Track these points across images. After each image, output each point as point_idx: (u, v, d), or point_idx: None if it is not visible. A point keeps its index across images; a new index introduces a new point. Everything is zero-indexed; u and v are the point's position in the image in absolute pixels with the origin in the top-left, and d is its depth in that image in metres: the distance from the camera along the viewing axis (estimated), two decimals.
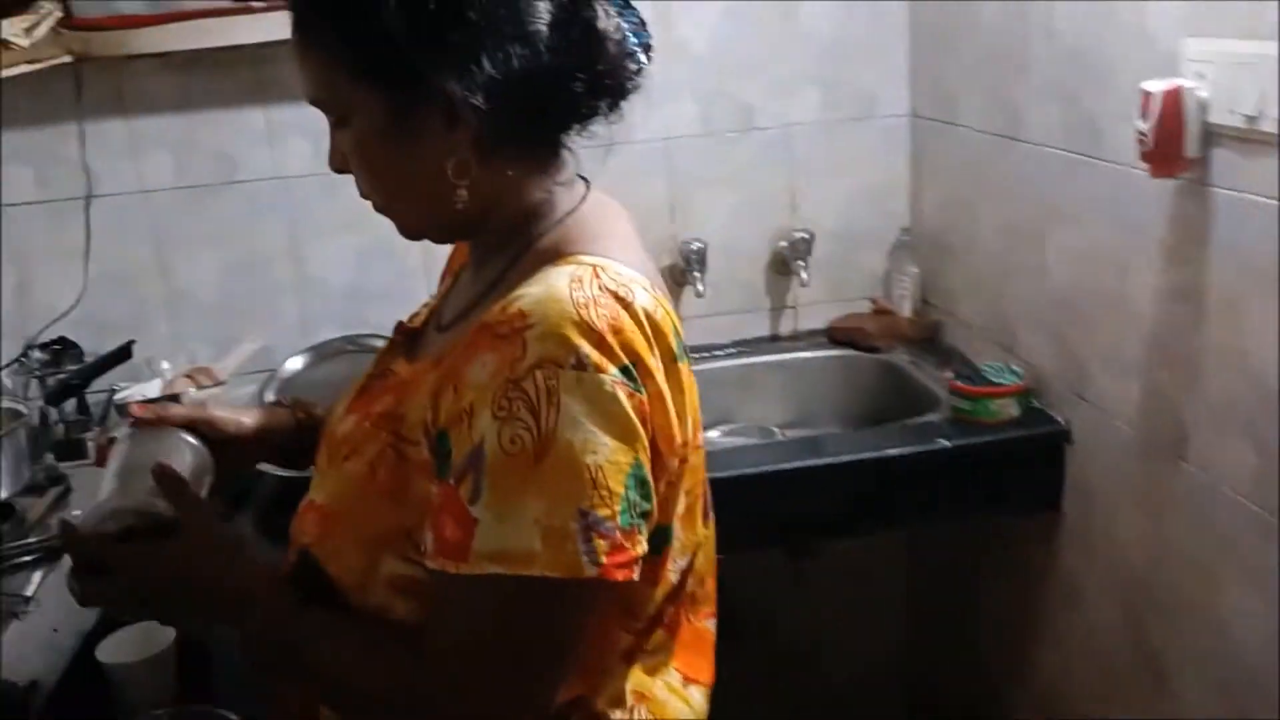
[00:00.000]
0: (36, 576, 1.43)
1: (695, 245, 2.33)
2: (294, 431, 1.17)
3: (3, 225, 2.13)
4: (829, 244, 2.41)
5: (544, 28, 0.90)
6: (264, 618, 0.92)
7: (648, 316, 0.89)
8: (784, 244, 2.38)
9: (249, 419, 1.13)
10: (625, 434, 0.85)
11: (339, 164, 0.97)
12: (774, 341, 2.47)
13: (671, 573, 0.99)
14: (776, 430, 2.32)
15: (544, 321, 0.84)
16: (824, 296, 2.44)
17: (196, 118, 2.16)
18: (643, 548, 0.87)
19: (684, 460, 0.95)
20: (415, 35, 0.87)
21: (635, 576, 0.87)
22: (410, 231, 1.00)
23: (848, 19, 2.33)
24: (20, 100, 2.04)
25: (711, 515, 1.19)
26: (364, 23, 0.88)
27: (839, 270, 2.44)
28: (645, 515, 0.88)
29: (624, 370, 0.86)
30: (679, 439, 0.93)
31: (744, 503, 1.85)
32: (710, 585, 1.16)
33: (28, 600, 1.36)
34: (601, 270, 0.90)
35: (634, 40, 0.96)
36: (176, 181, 2.18)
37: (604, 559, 0.83)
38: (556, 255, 0.94)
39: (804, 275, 2.35)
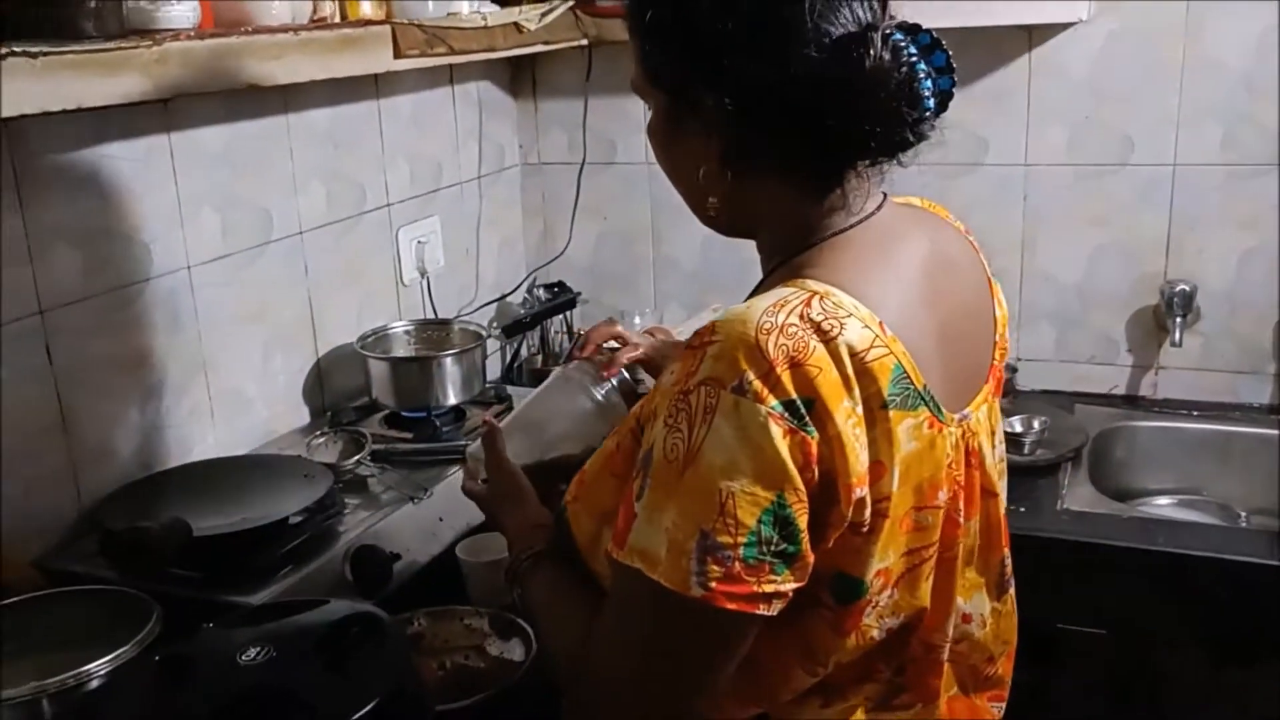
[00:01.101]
0: (448, 472, 1.71)
1: (1181, 288, 2.07)
2: None
3: (538, 181, 2.52)
4: None
5: (803, 60, 0.89)
6: (517, 554, 1.09)
7: (853, 354, 0.85)
8: None
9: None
10: (769, 469, 0.83)
11: None
12: (1273, 414, 2.11)
13: (873, 629, 0.95)
14: (1242, 514, 2.00)
15: (724, 340, 0.85)
16: None
17: None
18: (775, 586, 0.85)
19: (883, 515, 0.89)
20: (682, 47, 0.94)
21: (762, 612, 0.85)
22: (699, 220, 1.05)
23: (1262, 48, 1.92)
24: (553, 74, 2.40)
25: (1010, 589, 1.11)
26: (650, 29, 0.97)
27: None
28: (785, 556, 0.85)
29: (788, 404, 0.83)
30: (861, 491, 0.87)
31: (1174, 585, 1.69)
32: (999, 667, 1.10)
33: (426, 490, 1.63)
34: (820, 298, 0.87)
35: (924, 86, 0.89)
36: None
37: (713, 584, 0.83)
38: (791, 275, 0.93)
39: None
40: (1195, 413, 2.12)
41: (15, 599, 1.30)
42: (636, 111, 2.36)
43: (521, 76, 2.46)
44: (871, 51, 0.87)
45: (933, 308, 0.96)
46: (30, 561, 1.41)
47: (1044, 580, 1.74)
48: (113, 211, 1.55)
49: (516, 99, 2.49)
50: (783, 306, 0.86)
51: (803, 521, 0.85)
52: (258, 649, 1.06)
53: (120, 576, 1.38)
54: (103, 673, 1.16)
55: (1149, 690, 1.78)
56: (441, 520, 1.63)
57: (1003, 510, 1.06)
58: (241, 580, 1.39)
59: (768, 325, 0.84)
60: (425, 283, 2.20)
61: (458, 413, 1.94)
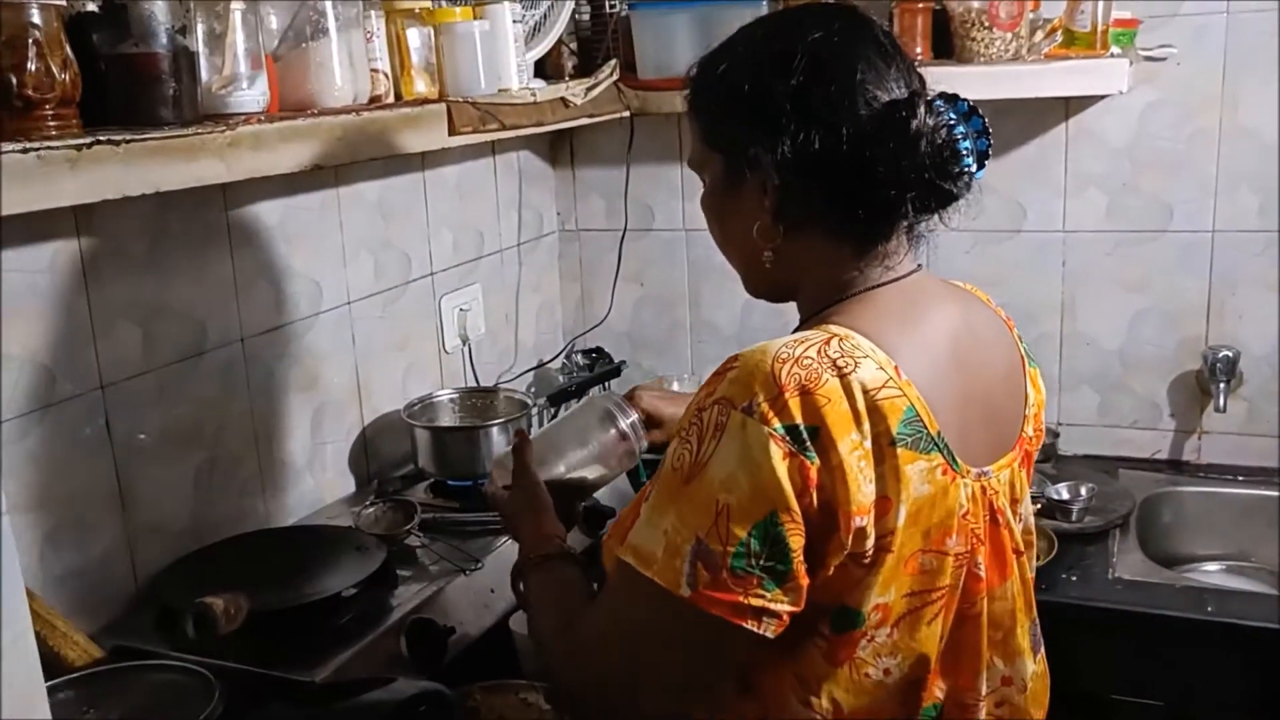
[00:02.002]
0: (497, 543, 1.71)
1: (1225, 353, 2.07)
2: None
3: (575, 247, 2.55)
4: None
5: (852, 121, 0.96)
6: (525, 554, 1.17)
7: (865, 391, 0.90)
8: None
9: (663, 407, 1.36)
10: (765, 487, 0.87)
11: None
12: None
13: (869, 665, 0.96)
14: None
15: (743, 367, 0.91)
16: None
17: None
18: (763, 602, 0.89)
19: (886, 550, 0.92)
20: (741, 107, 1.01)
21: (751, 627, 0.89)
22: (745, 286, 1.11)
23: None
24: (591, 143, 2.45)
25: (1041, 650, 1.11)
26: (709, 95, 1.05)
27: None
28: (774, 573, 0.88)
29: (791, 429, 0.88)
30: (862, 521, 0.90)
31: (1230, 655, 1.68)
32: None
33: (478, 562, 1.63)
34: (840, 339, 0.93)
35: (963, 146, 0.96)
36: None
37: (700, 587, 0.89)
38: (821, 322, 0.98)
39: None
40: (1240, 477, 2.11)
41: (77, 674, 1.30)
42: (674, 179, 2.39)
43: (560, 145, 2.50)
44: (917, 114, 0.95)
45: (957, 369, 1.01)
46: (89, 635, 1.42)
47: (1098, 651, 1.73)
48: (171, 288, 1.58)
49: (555, 167, 2.52)
50: (802, 342, 0.93)
51: (795, 543, 0.89)
52: None
53: (175, 651, 1.38)
54: None
55: None
56: (493, 592, 1.63)
57: (1029, 572, 1.09)
58: (298, 656, 1.39)
59: (784, 356, 0.91)
60: (467, 350, 2.22)
61: None
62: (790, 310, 1.09)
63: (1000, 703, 1.07)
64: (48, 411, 1.41)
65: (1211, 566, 2.06)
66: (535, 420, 2.01)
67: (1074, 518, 1.93)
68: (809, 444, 0.88)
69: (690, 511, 0.90)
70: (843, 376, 0.90)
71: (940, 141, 0.96)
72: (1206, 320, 2.13)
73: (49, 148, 1.04)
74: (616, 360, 2.37)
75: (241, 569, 1.54)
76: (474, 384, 2.19)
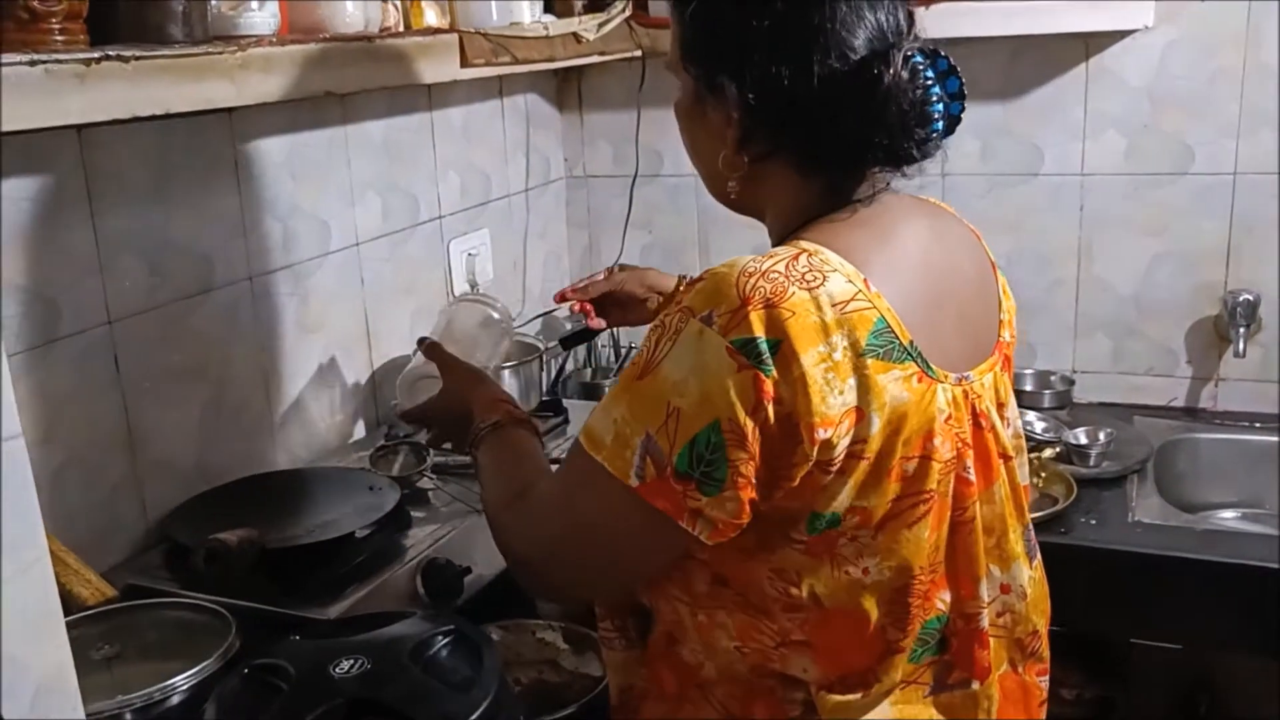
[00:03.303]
0: None
1: (1245, 297, 2.04)
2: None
3: (583, 194, 2.51)
4: None
5: (824, 68, 0.94)
6: (478, 423, 1.20)
7: (833, 304, 0.90)
8: None
9: (635, 286, 1.54)
10: (712, 397, 0.88)
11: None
12: None
13: (850, 564, 0.96)
14: None
15: (710, 279, 0.92)
16: None
17: None
18: (699, 506, 0.90)
19: (858, 458, 0.92)
20: (715, 35, 1.00)
21: (687, 526, 0.91)
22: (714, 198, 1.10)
23: None
24: (599, 86, 2.40)
25: (1037, 558, 1.13)
26: (691, 12, 1.02)
27: None
28: (711, 481, 0.90)
29: (747, 343, 0.88)
30: (826, 432, 0.89)
31: (1243, 598, 1.66)
32: (1042, 640, 1.11)
33: None
34: (808, 255, 0.92)
35: (936, 109, 0.96)
36: None
37: (648, 479, 0.91)
38: (790, 239, 0.97)
39: None
40: (1257, 424, 2.09)
41: (89, 611, 1.28)
42: None
43: (568, 88, 2.46)
44: (891, 70, 0.94)
45: (928, 278, 1.01)
46: (100, 574, 1.39)
47: (1116, 594, 1.71)
48: (177, 221, 1.54)
49: (562, 111, 2.48)
50: (770, 257, 0.93)
51: (733, 454, 0.89)
52: (351, 661, 1.04)
53: (187, 589, 1.36)
54: (186, 686, 1.14)
55: (1222, 705, 1.75)
56: None
57: (1020, 478, 1.08)
58: (312, 594, 1.37)
59: (751, 269, 0.91)
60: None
61: None
62: None
63: (1002, 611, 1.07)
64: (54, 346, 1.38)
65: (1227, 514, 2.04)
66: (547, 366, 1.99)
67: (1092, 462, 1.91)
68: (767, 357, 0.88)
69: (640, 407, 0.92)
70: (810, 289, 0.90)
71: (910, 103, 0.95)
72: (1226, 264, 2.10)
73: (57, 60, 1.01)
74: None
75: (254, 509, 1.51)
76: None
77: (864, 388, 0.90)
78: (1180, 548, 1.69)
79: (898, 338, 0.92)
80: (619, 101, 2.39)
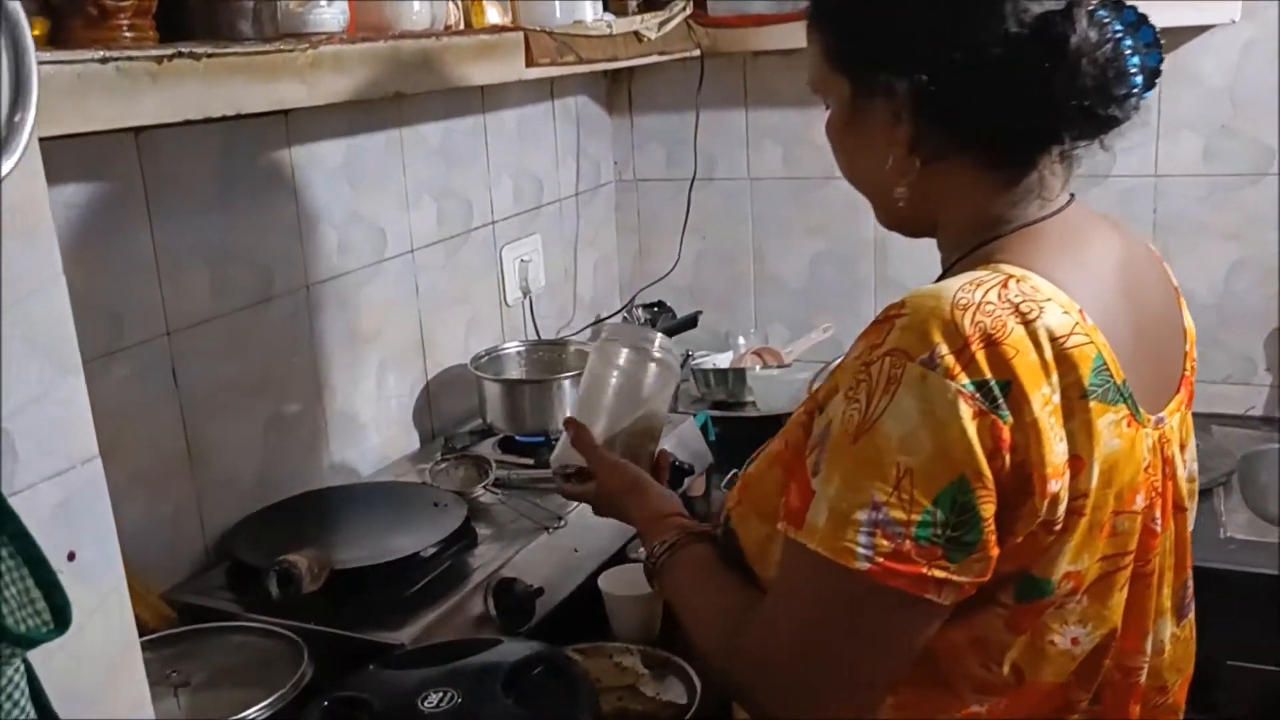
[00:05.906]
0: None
1: None
2: None
3: (633, 198, 2.45)
4: None
5: (1000, 38, 0.84)
6: (653, 548, 1.07)
7: (1053, 339, 0.81)
8: None
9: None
10: (953, 449, 0.78)
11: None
12: None
13: (1055, 634, 0.87)
14: None
15: (914, 313, 0.81)
16: None
17: (811, 113, 2.27)
18: (946, 574, 0.79)
19: (1079, 514, 0.83)
20: (874, 28, 0.91)
21: (933, 597, 0.80)
22: (878, 219, 1.01)
23: None
24: (650, 88, 2.34)
25: (1188, 616, 1.03)
26: (837, 14, 0.94)
27: None
28: (961, 544, 0.79)
29: (981, 385, 0.78)
30: (1057, 484, 0.80)
31: None
32: (1171, 697, 1.02)
33: (560, 519, 1.55)
34: (1016, 281, 0.83)
35: (1132, 63, 0.85)
36: (783, 172, 2.32)
37: (880, 559, 0.79)
38: (984, 261, 0.88)
39: None
40: None
41: (155, 635, 1.22)
42: (738, 125, 2.29)
43: (618, 90, 2.40)
44: (1076, 28, 0.84)
45: (1128, 306, 0.91)
46: (160, 595, 1.34)
47: (1213, 615, 1.62)
48: (237, 229, 1.49)
49: (611, 114, 2.42)
50: (979, 285, 0.82)
51: (986, 511, 0.79)
52: (440, 693, 0.98)
53: (251, 611, 1.31)
54: (262, 719, 1.08)
55: None
56: (577, 551, 1.54)
57: (1189, 529, 0.99)
58: (381, 617, 1.31)
59: (964, 301, 0.80)
60: (528, 302, 2.13)
61: None
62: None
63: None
64: (114, 358, 1.33)
65: None
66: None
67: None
68: (1001, 401, 0.78)
69: (859, 475, 0.80)
70: (1028, 323, 0.80)
71: (1104, 59, 0.84)
72: None
73: (129, 58, 0.95)
74: (684, 313, 2.27)
75: (315, 526, 1.45)
76: (537, 338, 2.10)
77: (1084, 433, 0.82)
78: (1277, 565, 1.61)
79: (1112, 377, 0.84)
80: (671, 103, 2.33)
